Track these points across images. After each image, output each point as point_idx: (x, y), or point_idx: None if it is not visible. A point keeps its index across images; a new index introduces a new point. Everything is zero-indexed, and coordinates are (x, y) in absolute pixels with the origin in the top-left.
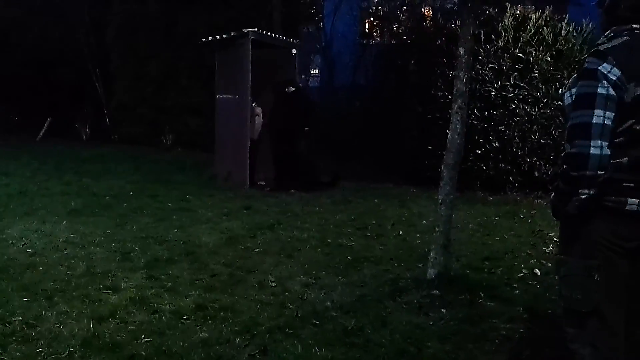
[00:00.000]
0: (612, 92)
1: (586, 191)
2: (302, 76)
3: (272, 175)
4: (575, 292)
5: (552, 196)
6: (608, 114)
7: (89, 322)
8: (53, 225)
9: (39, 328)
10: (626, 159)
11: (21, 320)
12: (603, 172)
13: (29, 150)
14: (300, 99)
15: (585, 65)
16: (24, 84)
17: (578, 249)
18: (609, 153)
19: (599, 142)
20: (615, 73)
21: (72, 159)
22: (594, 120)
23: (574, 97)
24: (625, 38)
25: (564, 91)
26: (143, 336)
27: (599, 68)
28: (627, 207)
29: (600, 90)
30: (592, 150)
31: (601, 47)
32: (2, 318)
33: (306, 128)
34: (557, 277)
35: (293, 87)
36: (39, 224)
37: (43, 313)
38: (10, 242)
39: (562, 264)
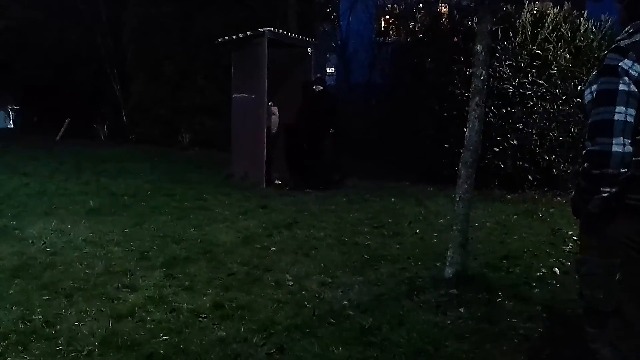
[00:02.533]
0: (633, 88)
1: (608, 189)
2: (318, 75)
3: (288, 174)
4: (597, 291)
5: (572, 194)
6: (630, 110)
7: (107, 321)
8: (72, 225)
9: (58, 326)
10: None
11: (41, 318)
12: (625, 170)
13: (48, 150)
14: (326, 99)
15: (606, 61)
16: (43, 85)
17: (599, 247)
18: (631, 150)
19: (621, 139)
20: (636, 69)
21: (91, 158)
22: (616, 117)
23: (594, 94)
24: None
25: (583, 88)
26: (161, 334)
27: (620, 64)
28: None
29: (621, 86)
30: (614, 148)
31: (622, 43)
32: (23, 316)
33: (331, 130)
34: (577, 277)
35: (321, 85)
36: (58, 223)
37: (63, 312)
38: (30, 241)
39: (582, 263)
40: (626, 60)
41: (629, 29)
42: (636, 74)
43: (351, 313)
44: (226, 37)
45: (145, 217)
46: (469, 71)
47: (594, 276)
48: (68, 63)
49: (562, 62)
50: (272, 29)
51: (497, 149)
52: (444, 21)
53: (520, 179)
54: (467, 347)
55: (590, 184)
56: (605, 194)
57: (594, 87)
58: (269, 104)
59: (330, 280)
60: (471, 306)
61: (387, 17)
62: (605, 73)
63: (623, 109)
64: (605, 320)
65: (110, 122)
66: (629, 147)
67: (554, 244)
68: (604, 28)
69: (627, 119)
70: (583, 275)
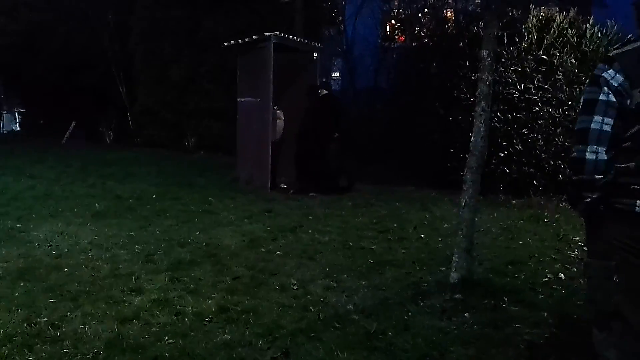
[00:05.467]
0: (612, 98)
1: (589, 194)
2: (324, 79)
3: (293, 178)
4: (596, 293)
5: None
6: (607, 120)
7: (113, 324)
8: (78, 228)
9: (64, 329)
10: (633, 163)
11: (47, 321)
12: (601, 177)
13: (54, 153)
14: (331, 103)
15: (595, 71)
16: (50, 88)
17: (596, 250)
18: (606, 158)
19: (595, 147)
20: (618, 79)
21: (96, 161)
22: (592, 126)
23: (581, 102)
24: (638, 44)
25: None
26: (166, 338)
27: (603, 74)
28: (637, 209)
29: (601, 96)
30: (588, 156)
31: (612, 53)
32: (28, 319)
33: (336, 134)
34: (583, 280)
35: (326, 90)
36: (64, 226)
37: (68, 314)
38: (36, 243)
39: (586, 266)
40: (610, 71)
41: (630, 37)
42: (617, 84)
43: (356, 317)
44: (232, 42)
45: (150, 221)
46: (474, 76)
47: (594, 278)
48: (75, 66)
49: (568, 68)
50: (278, 33)
51: (502, 154)
52: (449, 26)
53: (525, 184)
54: (472, 353)
55: (574, 189)
56: (587, 199)
57: (582, 96)
58: (275, 108)
59: (335, 285)
60: (476, 311)
61: (393, 21)
62: (590, 82)
63: (600, 118)
64: (609, 323)
65: (116, 125)
66: (603, 155)
67: (559, 249)
68: (609, 33)
69: (604, 128)
70: (587, 278)
